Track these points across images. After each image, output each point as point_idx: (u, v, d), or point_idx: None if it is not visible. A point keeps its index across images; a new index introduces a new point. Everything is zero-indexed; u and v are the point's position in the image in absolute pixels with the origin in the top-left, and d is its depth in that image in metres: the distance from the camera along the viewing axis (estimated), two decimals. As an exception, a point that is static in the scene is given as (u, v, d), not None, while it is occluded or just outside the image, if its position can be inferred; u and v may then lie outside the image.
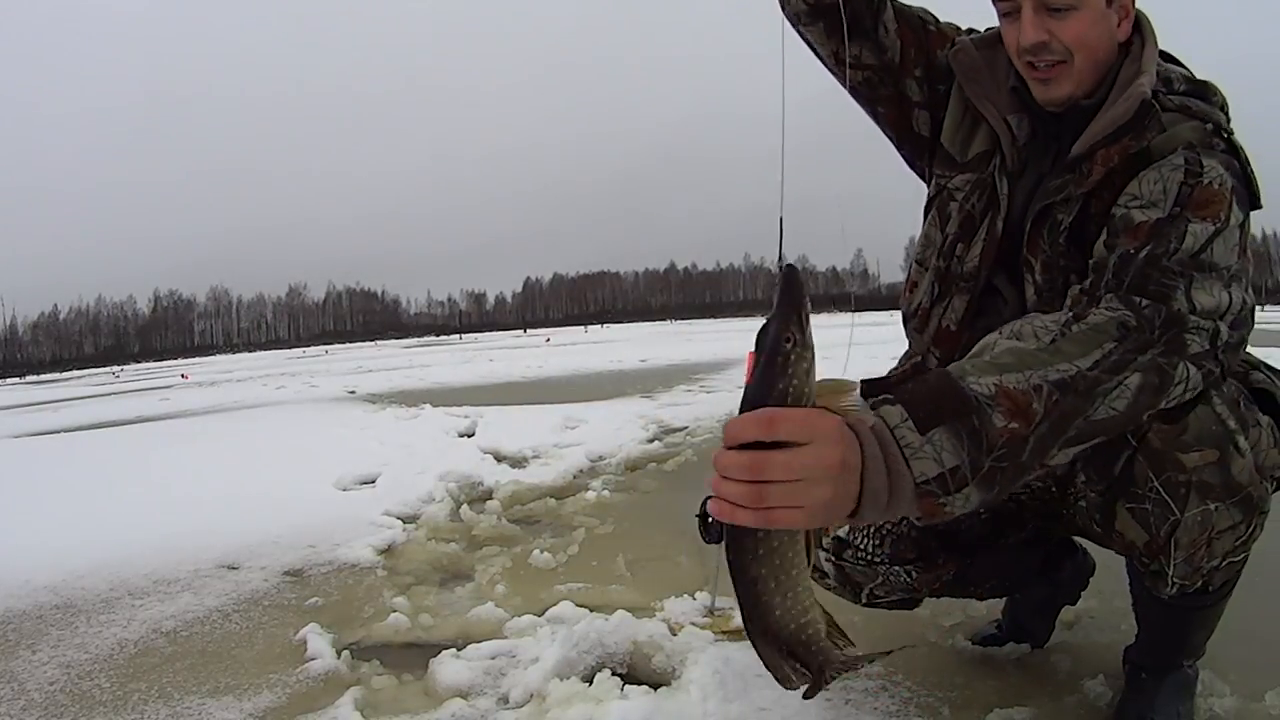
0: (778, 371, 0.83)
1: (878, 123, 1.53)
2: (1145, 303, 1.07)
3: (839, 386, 0.88)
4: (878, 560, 1.47)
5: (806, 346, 0.84)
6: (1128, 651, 1.49)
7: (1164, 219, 1.14)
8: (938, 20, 1.49)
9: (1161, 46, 1.29)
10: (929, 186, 1.51)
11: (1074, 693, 1.59)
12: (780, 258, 1.00)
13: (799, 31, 1.46)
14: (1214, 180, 1.15)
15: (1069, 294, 1.23)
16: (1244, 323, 1.12)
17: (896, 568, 1.46)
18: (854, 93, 1.50)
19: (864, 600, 1.53)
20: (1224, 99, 1.28)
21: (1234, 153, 1.21)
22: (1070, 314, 1.09)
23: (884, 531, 1.44)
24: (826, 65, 1.48)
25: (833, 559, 1.47)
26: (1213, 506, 1.16)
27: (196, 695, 1.82)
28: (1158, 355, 1.03)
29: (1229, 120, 1.27)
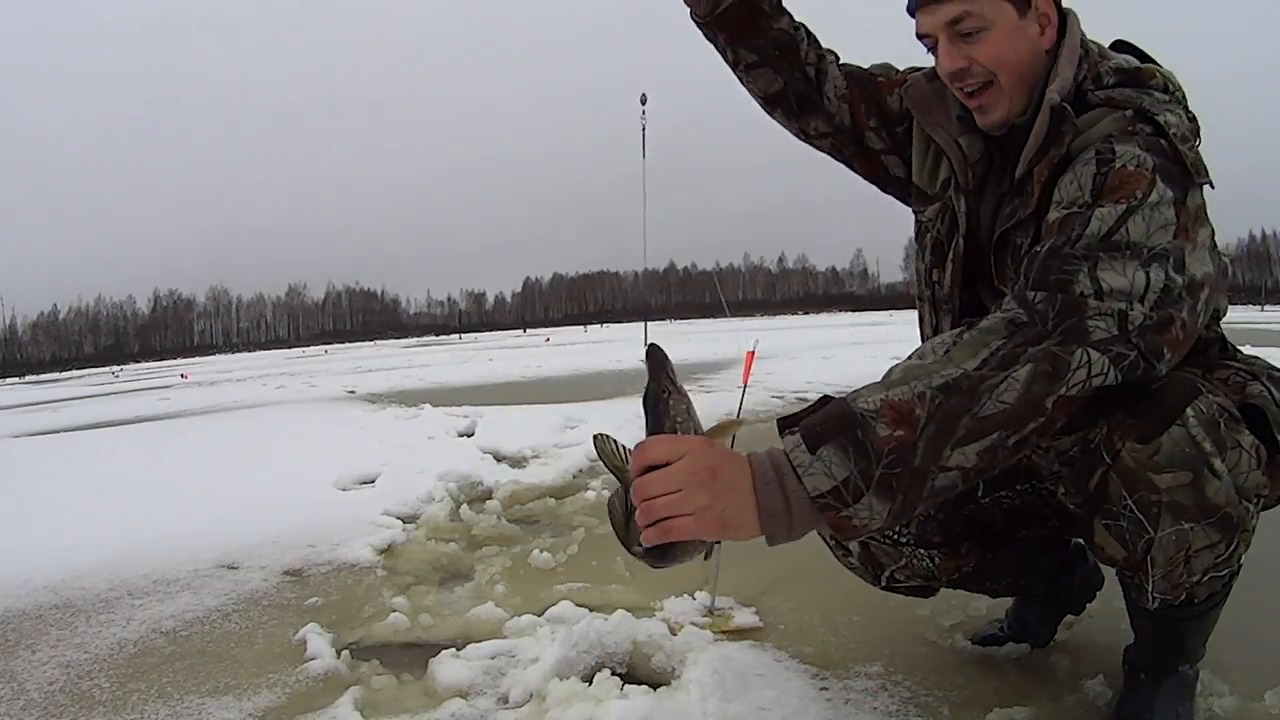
0: (660, 415, 1.04)
1: (859, 175, 1.62)
2: (1040, 296, 1.07)
3: (725, 425, 1.06)
4: (903, 541, 1.49)
5: (679, 393, 1.05)
6: (1127, 651, 1.49)
7: (1072, 213, 1.15)
8: (891, 69, 1.58)
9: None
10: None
11: (1074, 692, 1.59)
12: (645, 336, 1.20)
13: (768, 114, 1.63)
14: (1128, 163, 1.14)
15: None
16: (1172, 303, 1.08)
17: (921, 551, 1.49)
18: (830, 155, 1.62)
19: (883, 583, 1.55)
20: (1164, 79, 1.26)
21: (1160, 133, 1.17)
22: (966, 322, 1.14)
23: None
24: (799, 139, 1.63)
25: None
26: (1187, 527, 1.14)
27: (196, 695, 1.82)
28: (1052, 345, 1.03)
29: (1175, 98, 1.25)
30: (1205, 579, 1.21)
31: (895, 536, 1.49)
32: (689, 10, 1.54)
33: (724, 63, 1.58)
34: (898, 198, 1.61)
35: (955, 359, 1.04)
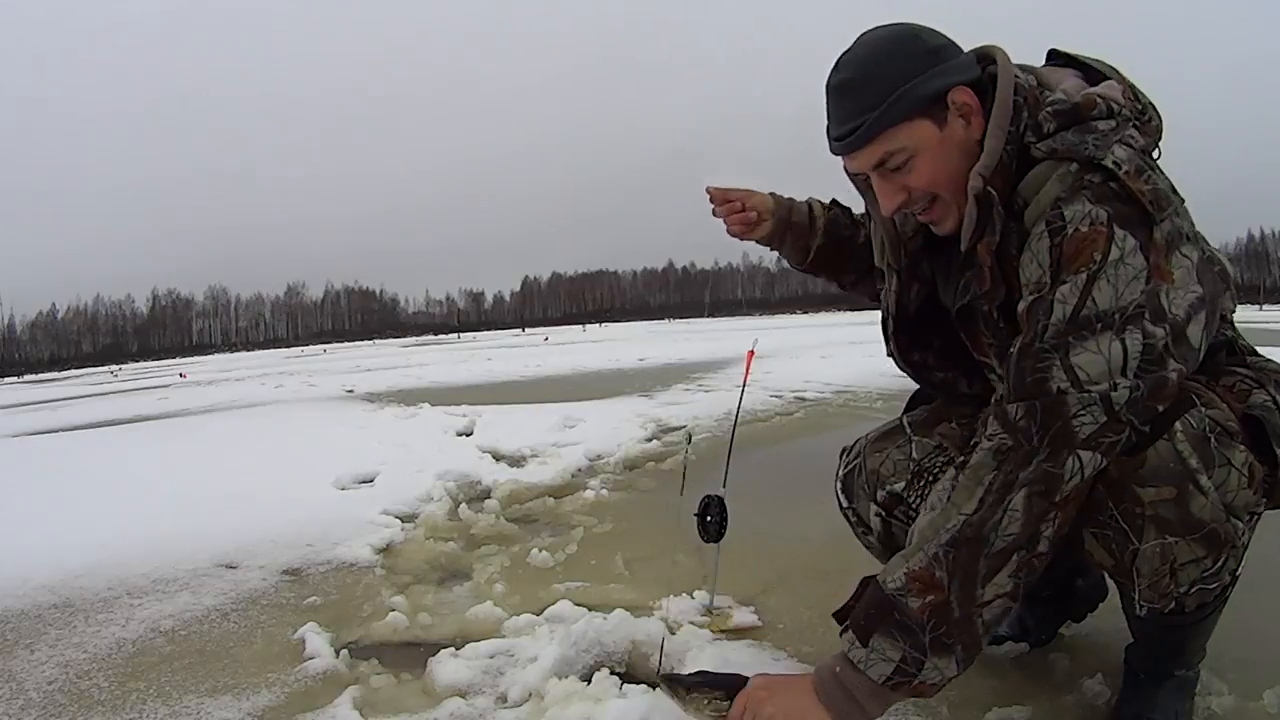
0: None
1: None
2: (1020, 411, 1.09)
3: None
4: None
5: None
6: (1127, 652, 1.50)
7: (1036, 299, 1.13)
8: None
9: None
10: None
11: (1072, 692, 1.59)
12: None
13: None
14: (1079, 224, 1.10)
15: (983, 415, 1.22)
16: (1157, 360, 1.07)
17: None
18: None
19: None
20: (1106, 100, 1.18)
21: (1110, 177, 1.11)
22: (961, 460, 1.18)
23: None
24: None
25: (883, 513, 1.48)
26: (1171, 540, 1.14)
27: (195, 694, 1.82)
28: (1042, 462, 1.08)
29: (1122, 117, 1.17)
30: (1193, 590, 1.20)
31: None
32: (788, 262, 1.71)
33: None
34: None
35: (957, 504, 1.12)
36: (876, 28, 1.27)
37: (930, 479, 1.43)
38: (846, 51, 1.25)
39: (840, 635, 1.19)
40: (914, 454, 1.45)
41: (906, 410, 1.60)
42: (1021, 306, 1.16)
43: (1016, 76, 1.24)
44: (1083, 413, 1.06)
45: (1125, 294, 1.08)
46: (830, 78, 1.26)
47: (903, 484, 1.45)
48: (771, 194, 1.63)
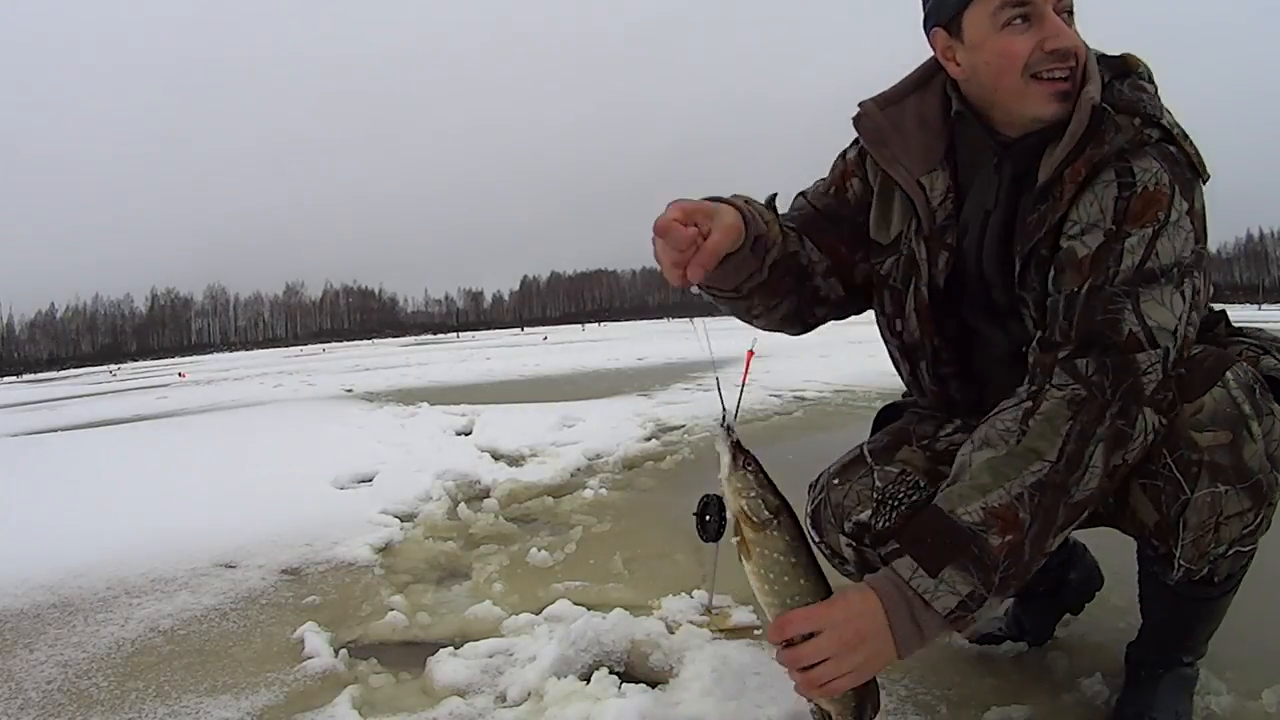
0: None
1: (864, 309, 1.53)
2: (1091, 364, 1.10)
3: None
4: None
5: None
6: (1130, 648, 1.49)
7: (1102, 245, 1.15)
8: (819, 184, 1.47)
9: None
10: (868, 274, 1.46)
11: (1071, 691, 1.59)
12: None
13: None
14: (1149, 183, 1.14)
15: (1029, 354, 1.20)
16: (1198, 308, 1.15)
17: None
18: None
19: None
20: (1143, 68, 1.25)
21: (1167, 137, 1.17)
22: (1027, 404, 1.14)
23: (904, 513, 1.40)
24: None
25: (853, 544, 1.45)
26: (1222, 489, 1.16)
27: (194, 694, 1.81)
28: (1115, 417, 1.09)
29: (1154, 87, 1.22)
30: (1230, 552, 1.21)
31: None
32: (706, 293, 1.33)
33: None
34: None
35: (1034, 449, 1.09)
36: None
37: (895, 504, 1.40)
38: None
39: (886, 558, 1.10)
40: (876, 482, 1.42)
41: (871, 433, 1.58)
42: (1081, 249, 1.17)
43: None
44: (1150, 370, 1.09)
45: (1181, 252, 1.13)
46: None
47: (868, 512, 1.41)
48: (731, 201, 1.21)
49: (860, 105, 1.38)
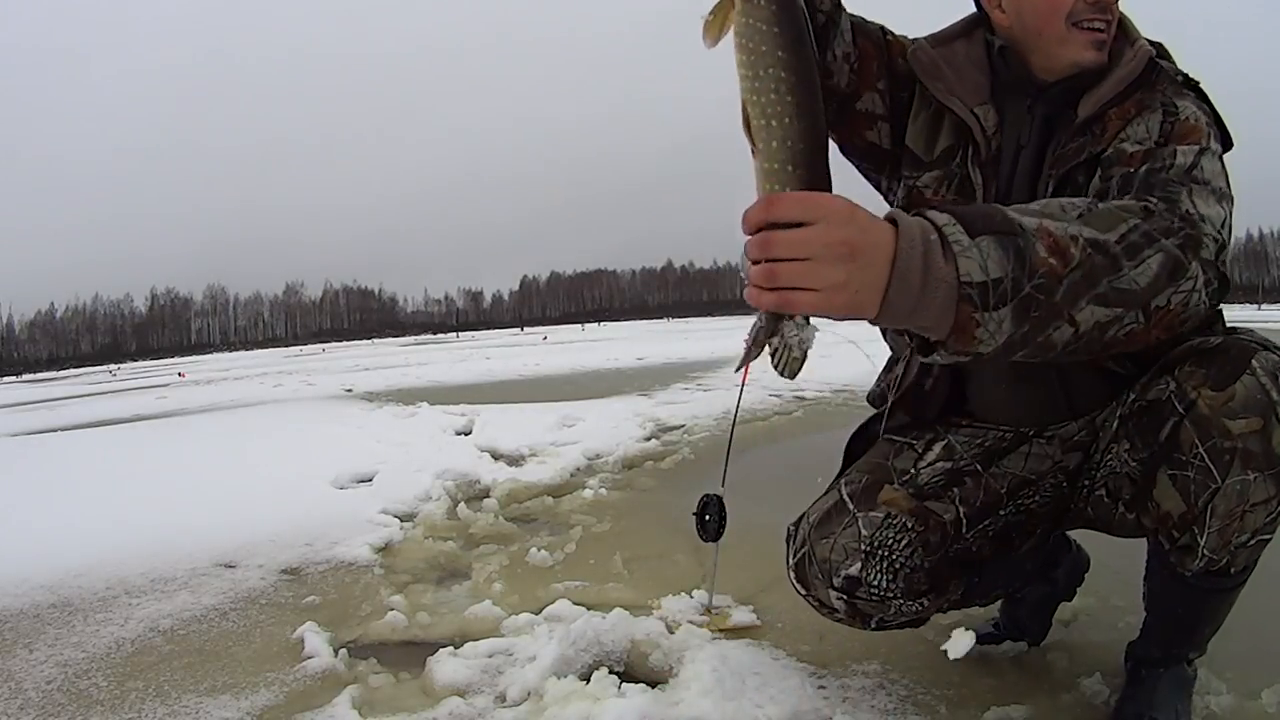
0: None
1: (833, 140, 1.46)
2: (1162, 206, 1.06)
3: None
4: (891, 595, 1.38)
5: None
6: (1131, 647, 1.49)
7: (1153, 147, 1.21)
8: (892, 32, 1.47)
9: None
10: (894, 191, 1.48)
11: (1071, 691, 1.59)
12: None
13: None
14: (1189, 116, 1.24)
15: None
16: (1227, 238, 1.14)
17: (909, 601, 1.39)
18: None
19: (874, 626, 1.45)
20: (1168, 54, 1.36)
21: (1203, 99, 1.29)
22: (1092, 200, 1.07)
23: (897, 567, 1.36)
24: None
25: (844, 597, 1.39)
26: (1252, 476, 1.16)
27: (194, 694, 1.81)
28: (1176, 244, 1.01)
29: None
30: (1252, 540, 1.22)
31: (883, 593, 1.38)
32: None
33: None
34: (866, 168, 1.51)
35: (1094, 223, 0.97)
36: None
37: (885, 553, 1.35)
38: None
39: (918, 213, 0.90)
40: (862, 531, 1.37)
41: (843, 464, 1.57)
42: (1132, 148, 1.23)
43: None
44: (1207, 240, 1.07)
45: (1218, 180, 1.17)
46: None
47: (858, 565, 1.36)
48: None
49: (915, 43, 1.44)
